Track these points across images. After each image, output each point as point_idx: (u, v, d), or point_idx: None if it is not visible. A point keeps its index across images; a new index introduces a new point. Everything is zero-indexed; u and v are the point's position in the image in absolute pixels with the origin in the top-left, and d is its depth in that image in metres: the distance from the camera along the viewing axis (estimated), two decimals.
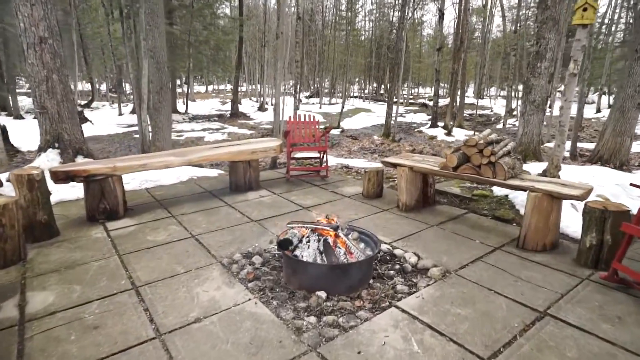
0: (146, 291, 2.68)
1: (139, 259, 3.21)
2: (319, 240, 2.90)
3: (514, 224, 3.96)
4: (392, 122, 12.76)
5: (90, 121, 16.22)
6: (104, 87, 27.04)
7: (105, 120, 17.29)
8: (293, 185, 5.50)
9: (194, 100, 30.34)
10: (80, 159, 5.74)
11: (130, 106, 20.09)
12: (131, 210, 4.47)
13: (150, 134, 7.00)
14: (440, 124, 15.99)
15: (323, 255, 2.79)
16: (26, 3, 5.08)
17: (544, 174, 4.87)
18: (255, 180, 5.21)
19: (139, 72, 8.59)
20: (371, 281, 2.81)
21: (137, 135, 14.36)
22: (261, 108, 22.59)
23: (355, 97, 35.77)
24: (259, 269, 3.02)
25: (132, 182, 5.56)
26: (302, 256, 2.82)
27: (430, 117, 17.23)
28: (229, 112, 21.33)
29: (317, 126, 5.99)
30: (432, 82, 24.07)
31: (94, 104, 24.82)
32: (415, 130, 16.27)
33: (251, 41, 30.87)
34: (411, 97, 38.31)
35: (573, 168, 5.79)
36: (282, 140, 5.68)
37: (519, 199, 4.45)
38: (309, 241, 2.93)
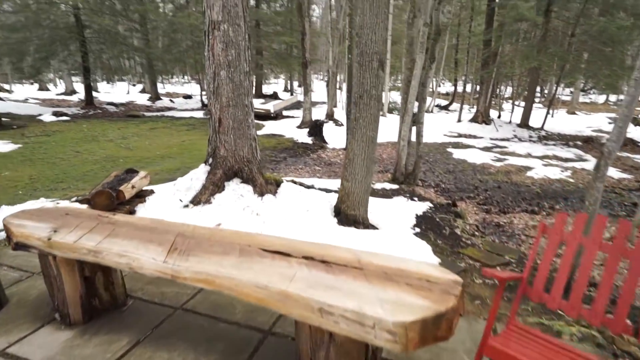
0: None
1: None
2: None
3: None
4: None
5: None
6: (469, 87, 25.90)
7: (439, 125, 15.92)
8: None
9: (573, 113, 23.64)
10: (233, 185, 4.31)
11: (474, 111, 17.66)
12: (122, 311, 2.50)
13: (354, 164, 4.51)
14: None
15: None
16: None
17: None
18: None
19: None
20: None
21: (450, 149, 12.09)
22: None
23: None
24: None
25: None
26: None
27: None
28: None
29: None
30: None
31: (453, 106, 24.23)
32: None
33: None
34: None
35: None
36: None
37: None
38: None
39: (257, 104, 17.48)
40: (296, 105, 19.29)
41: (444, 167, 9.60)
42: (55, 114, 12.90)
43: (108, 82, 31.35)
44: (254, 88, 25.92)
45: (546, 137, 14.58)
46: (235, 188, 4.27)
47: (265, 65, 24.63)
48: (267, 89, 31.05)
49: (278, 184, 5.03)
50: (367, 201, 4.32)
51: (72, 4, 13.54)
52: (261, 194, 4.37)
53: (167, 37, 17.37)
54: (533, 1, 12.86)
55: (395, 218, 4.87)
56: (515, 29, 13.35)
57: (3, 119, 11.05)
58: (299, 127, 13.26)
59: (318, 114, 16.75)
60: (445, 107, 24.11)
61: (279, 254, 2.02)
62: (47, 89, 26.18)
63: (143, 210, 4.05)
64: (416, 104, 6.62)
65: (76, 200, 4.14)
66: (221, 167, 4.25)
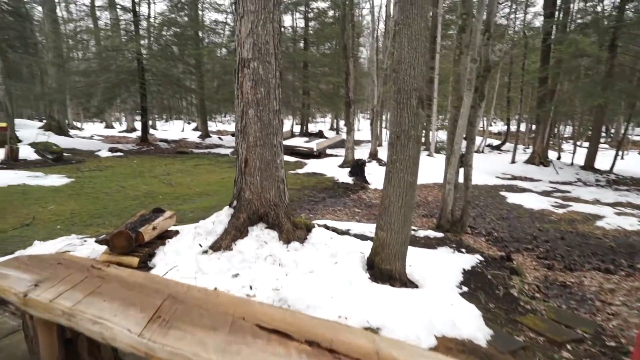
0: None
1: None
2: None
3: None
4: None
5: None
6: (523, 126, 24.49)
7: (491, 166, 14.94)
8: None
9: None
10: (257, 230, 3.99)
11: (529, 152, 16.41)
12: None
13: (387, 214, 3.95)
14: None
15: None
16: (236, 17, 3.84)
17: None
18: None
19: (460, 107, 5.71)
20: None
21: (503, 193, 11.11)
22: None
23: None
24: None
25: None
26: None
27: None
28: None
29: None
30: None
31: (506, 146, 22.97)
32: None
33: None
34: None
35: None
36: None
37: None
38: None
39: (301, 142, 17.63)
40: (340, 144, 19.22)
41: (497, 213, 8.74)
42: (111, 150, 13.74)
43: (167, 121, 33.64)
44: (300, 126, 26.44)
45: (617, 182, 13.08)
46: (260, 234, 3.94)
47: (311, 105, 25.21)
48: (313, 128, 31.60)
49: (309, 229, 4.65)
50: (405, 254, 3.79)
51: (136, 51, 14.74)
52: (287, 241, 4.00)
53: (219, 78, 18.32)
54: (594, 36, 12.02)
55: (438, 273, 4.26)
56: (575, 66, 12.45)
57: (65, 154, 11.87)
58: (341, 166, 13.00)
59: (362, 153, 16.48)
60: (498, 147, 22.91)
61: (277, 334, 1.60)
62: (112, 127, 28.48)
63: (162, 255, 3.82)
64: (464, 144, 6.08)
65: (97, 241, 4.02)
66: (245, 211, 3.97)
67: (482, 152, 20.37)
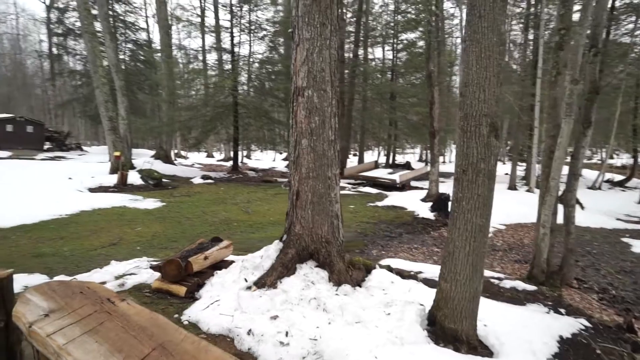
0: None
1: None
2: None
3: None
4: None
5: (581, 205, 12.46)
6: None
7: (609, 206, 12.60)
8: None
9: None
10: (306, 268, 3.69)
11: None
12: None
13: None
14: None
15: None
16: (293, 45, 3.75)
17: None
18: None
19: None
20: None
21: (627, 240, 9.10)
22: None
23: None
24: None
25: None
26: None
27: None
28: None
29: None
30: None
31: (632, 183, 19.36)
32: None
33: None
34: None
35: None
36: None
37: None
38: None
39: (384, 173, 17.14)
40: (426, 176, 18.22)
41: (616, 264, 7.12)
42: (203, 177, 14.92)
43: (261, 151, 36.02)
44: (386, 158, 25.92)
45: None
46: (308, 272, 3.63)
47: (399, 136, 24.66)
48: (401, 159, 30.80)
49: (368, 270, 4.21)
50: (475, 312, 3.12)
51: (232, 87, 16.13)
52: (338, 283, 3.62)
53: None
54: None
55: (523, 339, 3.43)
56: None
57: (165, 180, 13.19)
58: (424, 200, 12.15)
59: (449, 186, 15.30)
60: (621, 184, 19.43)
61: None
62: (212, 156, 31.40)
63: (209, 286, 3.74)
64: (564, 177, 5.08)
65: (152, 267, 4.12)
66: (294, 247, 3.71)
67: (599, 188, 17.44)
